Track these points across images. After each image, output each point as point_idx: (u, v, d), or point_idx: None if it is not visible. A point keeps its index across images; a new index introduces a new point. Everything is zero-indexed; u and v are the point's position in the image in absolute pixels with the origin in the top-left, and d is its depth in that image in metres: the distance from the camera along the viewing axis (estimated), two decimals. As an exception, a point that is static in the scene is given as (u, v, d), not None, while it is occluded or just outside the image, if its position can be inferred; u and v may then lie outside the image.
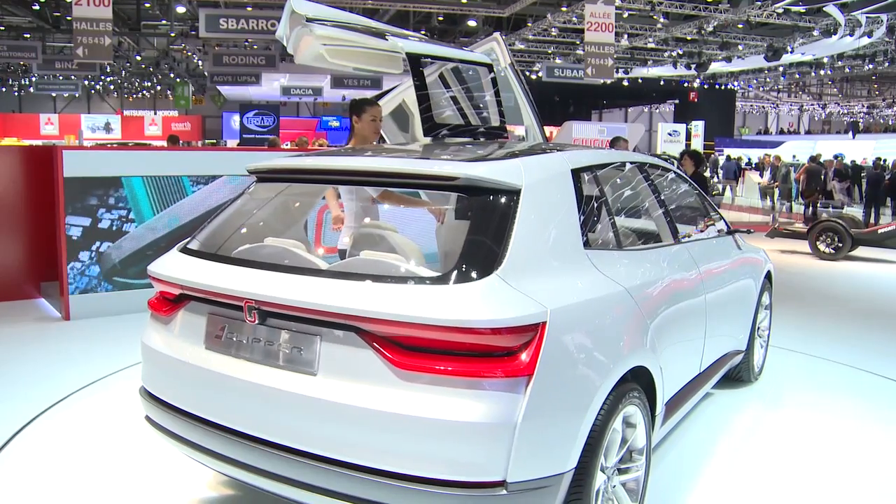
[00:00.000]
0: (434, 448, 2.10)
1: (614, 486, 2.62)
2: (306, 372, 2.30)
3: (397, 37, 3.86)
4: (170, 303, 2.76)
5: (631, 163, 3.69)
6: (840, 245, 11.21)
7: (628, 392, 2.56)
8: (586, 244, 2.67)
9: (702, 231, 4.17)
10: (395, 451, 2.14)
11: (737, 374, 4.65)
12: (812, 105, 46.51)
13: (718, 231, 4.32)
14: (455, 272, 2.20)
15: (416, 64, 3.58)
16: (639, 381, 2.71)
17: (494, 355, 2.13)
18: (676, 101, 40.85)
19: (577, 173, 2.82)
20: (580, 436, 2.29)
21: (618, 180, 3.92)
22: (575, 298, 2.40)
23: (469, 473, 2.10)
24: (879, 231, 11.39)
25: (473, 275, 2.18)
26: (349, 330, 2.23)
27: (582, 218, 2.71)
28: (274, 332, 2.39)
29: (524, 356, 2.13)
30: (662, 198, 3.65)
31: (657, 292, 3.04)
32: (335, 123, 38.66)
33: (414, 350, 2.16)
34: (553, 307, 2.22)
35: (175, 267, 2.71)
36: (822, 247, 11.34)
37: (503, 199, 2.40)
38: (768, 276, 4.89)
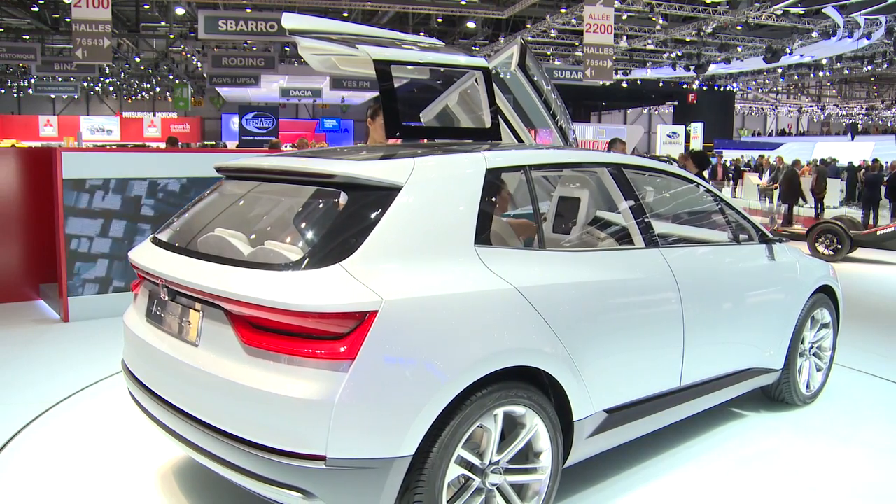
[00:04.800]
0: (268, 418, 2.32)
1: (494, 484, 2.63)
2: (192, 343, 2.62)
3: (413, 45, 3.92)
4: (137, 284, 3.15)
5: (600, 164, 3.54)
6: (839, 247, 11.21)
7: (509, 390, 2.59)
8: (483, 242, 2.69)
9: (708, 237, 3.94)
10: (242, 419, 2.39)
11: (777, 394, 4.33)
12: (811, 107, 46.59)
13: (738, 239, 4.00)
14: (304, 261, 2.39)
15: (384, 70, 3.66)
16: (540, 384, 2.74)
17: (318, 338, 2.30)
18: (675, 103, 40.96)
19: (496, 172, 2.87)
20: (417, 425, 2.34)
21: (574, 181, 3.85)
22: (432, 292, 2.45)
23: (294, 444, 2.28)
24: (878, 233, 11.40)
25: (317, 264, 2.36)
26: (217, 308, 2.50)
27: (484, 216, 2.72)
28: (179, 307, 2.72)
29: (347, 341, 2.27)
30: (637, 201, 3.46)
31: (581, 295, 2.94)
32: (333, 123, 38.76)
33: (259, 328, 2.38)
34: (392, 298, 2.33)
35: (139, 252, 3.05)
36: (821, 248, 11.34)
37: (377, 196, 2.54)
38: (826, 290, 4.47)
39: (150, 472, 3.39)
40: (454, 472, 2.51)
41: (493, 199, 2.83)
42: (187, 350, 2.62)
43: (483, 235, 2.70)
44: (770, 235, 4.20)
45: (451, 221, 2.66)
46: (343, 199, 2.56)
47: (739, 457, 3.72)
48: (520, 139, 4.42)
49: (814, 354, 4.51)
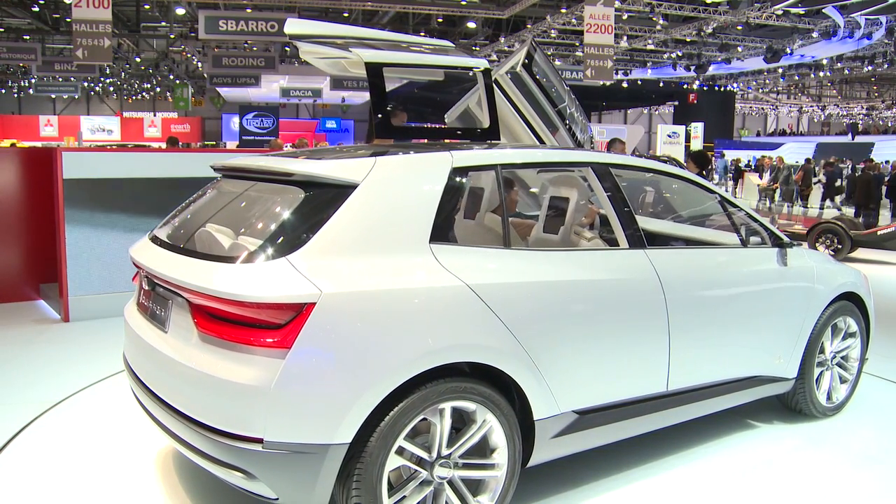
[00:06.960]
0: (215, 401, 2.47)
1: (443, 478, 2.66)
2: (162, 329, 2.79)
3: (420, 47, 3.94)
4: (135, 277, 3.29)
5: (582, 163, 3.49)
6: (839, 247, 11.20)
7: (457, 385, 2.62)
8: (441, 239, 2.72)
9: (709, 238, 3.84)
10: (195, 401, 2.55)
11: (793, 404, 4.17)
12: (811, 107, 46.56)
13: (744, 242, 3.85)
14: (257, 254, 2.49)
15: (376, 71, 3.69)
16: (502, 381, 2.76)
17: (260, 327, 2.41)
18: (676, 103, 40.89)
19: (462, 171, 2.92)
20: (352, 414, 2.42)
21: (564, 181, 3.82)
22: (375, 286, 2.51)
23: (236, 427, 2.42)
24: (879, 233, 11.39)
25: (268, 257, 2.47)
26: (181, 297, 2.65)
27: (445, 214, 2.77)
28: (156, 297, 2.88)
29: (285, 331, 2.38)
30: (623, 201, 3.39)
31: (544, 295, 2.92)
32: (333, 123, 38.72)
33: (212, 317, 2.51)
34: (332, 291, 2.41)
35: (136, 247, 3.19)
36: (821, 248, 11.32)
37: (333, 193, 2.63)
38: (851, 297, 4.28)
39: (151, 471, 3.39)
40: (395, 462, 2.56)
41: (458, 197, 2.86)
42: (159, 336, 2.79)
43: (442, 233, 2.73)
44: (784, 239, 4.01)
45: (407, 218, 2.71)
46: (302, 196, 2.67)
47: (744, 464, 3.66)
48: (541, 140, 4.40)
49: (837, 364, 4.32)
